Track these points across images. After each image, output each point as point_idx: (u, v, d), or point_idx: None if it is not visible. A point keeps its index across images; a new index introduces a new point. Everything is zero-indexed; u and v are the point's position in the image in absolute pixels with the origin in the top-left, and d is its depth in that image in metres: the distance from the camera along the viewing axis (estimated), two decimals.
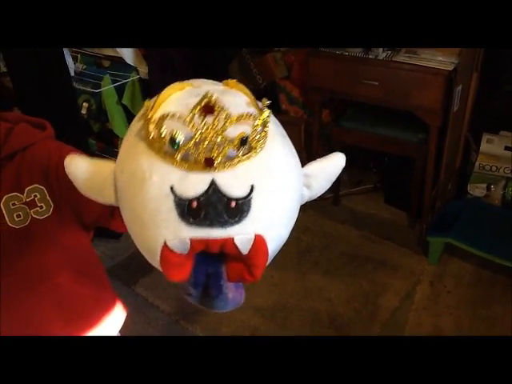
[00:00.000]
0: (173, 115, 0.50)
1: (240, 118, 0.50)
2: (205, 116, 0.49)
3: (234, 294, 0.58)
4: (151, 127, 0.50)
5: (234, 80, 0.56)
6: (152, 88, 2.40)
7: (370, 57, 2.17)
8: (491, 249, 2.09)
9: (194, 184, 0.48)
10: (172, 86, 0.54)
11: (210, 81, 0.59)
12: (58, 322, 0.88)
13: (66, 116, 2.22)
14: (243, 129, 0.50)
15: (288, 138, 0.57)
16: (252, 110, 0.52)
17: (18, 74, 2.10)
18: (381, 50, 2.17)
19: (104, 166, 0.57)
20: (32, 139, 0.84)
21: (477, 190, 2.43)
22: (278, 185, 0.52)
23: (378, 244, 2.45)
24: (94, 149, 2.81)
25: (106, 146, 2.81)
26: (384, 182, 2.81)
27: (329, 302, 2.13)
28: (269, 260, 0.54)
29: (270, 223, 0.52)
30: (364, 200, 2.79)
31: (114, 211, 0.79)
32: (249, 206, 0.49)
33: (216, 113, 0.49)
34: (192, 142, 0.48)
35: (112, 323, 0.99)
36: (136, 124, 0.55)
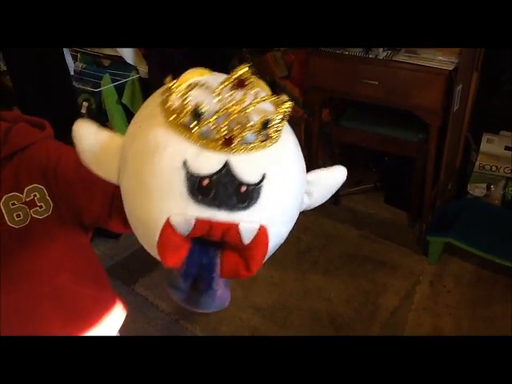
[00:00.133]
0: (202, 84, 0.48)
1: (268, 98, 0.49)
2: (235, 90, 0.48)
3: (222, 292, 0.56)
4: (173, 97, 0.49)
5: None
6: (152, 87, 2.40)
7: (370, 56, 2.17)
8: (491, 249, 2.09)
9: (209, 162, 0.47)
10: (191, 70, 0.53)
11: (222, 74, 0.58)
12: (58, 322, 0.88)
13: (66, 115, 2.21)
14: (264, 111, 0.49)
15: (297, 141, 0.57)
16: (269, 95, 0.52)
17: (18, 73, 2.10)
18: (381, 49, 2.16)
19: (113, 137, 0.56)
20: (31, 139, 0.83)
21: (477, 189, 2.43)
22: (287, 179, 0.52)
23: (377, 244, 2.45)
24: None
25: None
26: (384, 181, 2.81)
27: (328, 301, 2.13)
28: (266, 257, 0.54)
29: (275, 216, 0.52)
30: (364, 200, 2.79)
31: (112, 212, 0.79)
32: (258, 194, 0.49)
33: (247, 88, 0.48)
34: (215, 116, 0.47)
35: (112, 323, 0.98)
36: (154, 98, 0.53)
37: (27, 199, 0.80)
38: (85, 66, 2.72)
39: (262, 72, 2.75)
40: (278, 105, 0.51)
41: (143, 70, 2.50)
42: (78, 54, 2.76)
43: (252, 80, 0.48)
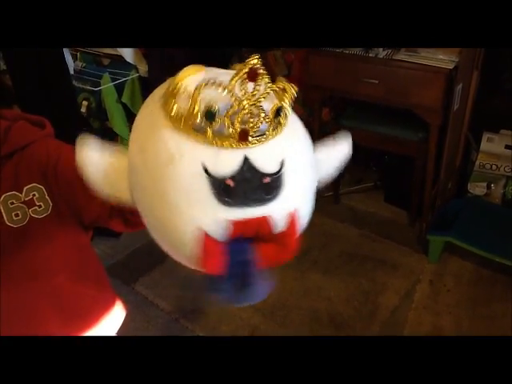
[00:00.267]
0: (213, 82, 0.46)
1: (275, 86, 0.49)
2: (247, 82, 0.47)
3: (263, 282, 0.55)
4: (180, 101, 0.47)
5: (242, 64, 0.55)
6: (152, 86, 2.40)
7: (370, 55, 2.17)
8: (491, 248, 2.09)
9: (228, 161, 0.46)
10: (188, 68, 0.51)
11: (217, 68, 0.56)
12: (57, 321, 0.88)
13: (66, 114, 2.22)
14: (274, 102, 0.49)
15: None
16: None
17: (18, 72, 2.10)
18: (381, 48, 2.16)
19: (120, 155, 0.54)
20: (31, 138, 0.83)
21: (477, 188, 2.43)
22: (302, 160, 0.52)
23: (377, 243, 2.46)
24: None
25: None
26: (384, 180, 2.81)
27: (328, 300, 2.14)
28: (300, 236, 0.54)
29: (300, 198, 0.52)
30: (364, 199, 2.79)
31: (112, 211, 0.79)
32: (282, 181, 0.49)
33: (259, 79, 0.47)
34: (229, 112, 0.46)
35: (111, 323, 0.98)
36: (155, 101, 0.52)
37: (26, 198, 0.80)
38: (84, 64, 2.72)
39: None
40: (282, 90, 0.50)
41: (143, 69, 2.50)
42: (78, 53, 2.76)
43: (263, 71, 0.47)
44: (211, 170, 0.46)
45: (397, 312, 2.06)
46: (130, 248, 2.38)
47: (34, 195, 0.80)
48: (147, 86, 2.50)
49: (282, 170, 0.49)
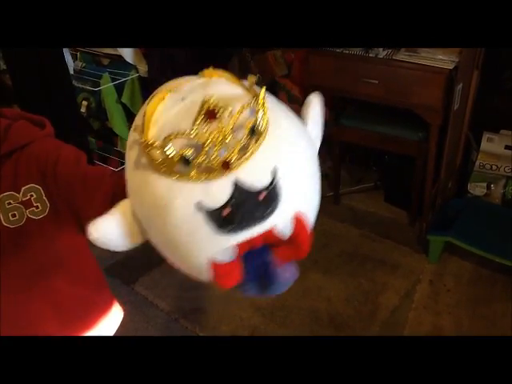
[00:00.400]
0: (176, 134, 0.47)
1: (242, 110, 0.48)
2: (208, 122, 0.47)
3: (288, 275, 0.57)
4: (155, 152, 0.48)
5: (210, 68, 0.54)
6: (151, 86, 2.40)
7: (370, 55, 2.17)
8: (491, 248, 2.09)
9: (219, 191, 0.47)
10: (151, 99, 0.51)
11: (186, 77, 0.56)
12: (55, 323, 0.88)
13: (66, 114, 2.22)
14: (245, 117, 0.48)
15: (282, 104, 0.56)
16: (240, 91, 0.51)
17: (18, 72, 2.10)
18: (381, 48, 2.16)
19: (122, 211, 0.55)
20: (31, 137, 0.83)
21: (477, 188, 2.43)
22: (297, 157, 0.51)
23: (377, 243, 2.45)
24: (94, 147, 2.81)
25: (105, 144, 2.81)
26: (384, 180, 2.81)
27: (328, 300, 2.13)
28: (311, 230, 0.54)
29: (302, 197, 0.52)
30: (364, 198, 2.79)
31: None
32: (279, 191, 0.48)
33: (219, 115, 0.47)
34: (203, 152, 0.46)
35: (109, 324, 0.98)
36: (132, 151, 0.52)
37: (24, 199, 0.79)
38: (84, 64, 2.72)
39: (262, 71, 2.75)
40: (253, 96, 0.49)
41: (143, 69, 2.50)
42: (78, 53, 2.76)
43: (221, 106, 0.47)
44: (205, 205, 0.47)
45: (397, 312, 2.06)
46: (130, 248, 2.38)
47: (31, 196, 0.79)
48: (147, 86, 2.50)
49: (276, 178, 0.48)
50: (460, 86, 2.07)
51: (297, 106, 2.71)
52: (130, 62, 2.50)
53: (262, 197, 0.47)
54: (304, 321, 2.04)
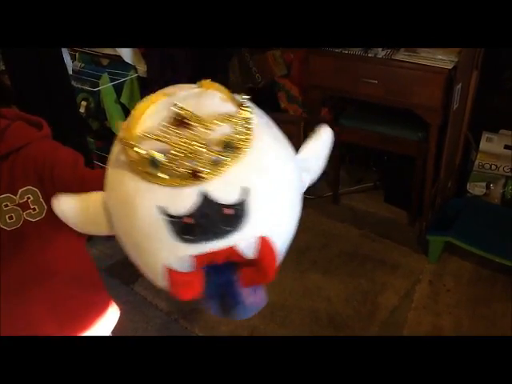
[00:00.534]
0: (148, 134, 0.47)
1: (219, 120, 0.47)
2: (181, 128, 0.47)
3: (252, 299, 0.57)
4: (131, 150, 0.48)
5: (208, 80, 0.54)
6: (151, 86, 2.40)
7: (370, 55, 2.17)
8: (491, 247, 2.09)
9: (184, 199, 0.46)
10: (144, 100, 0.52)
11: (186, 85, 0.56)
12: (52, 325, 0.88)
13: (65, 114, 2.22)
14: (225, 131, 0.47)
15: (276, 128, 0.55)
16: (230, 108, 0.50)
17: (17, 73, 2.10)
18: (380, 48, 2.16)
19: (92, 199, 0.56)
20: (27, 139, 0.82)
21: (476, 188, 2.43)
22: (273, 181, 0.50)
23: (377, 243, 2.45)
24: (93, 147, 2.81)
25: (104, 145, 2.81)
26: (384, 180, 2.81)
27: (328, 300, 2.13)
28: (280, 257, 0.53)
29: (272, 222, 0.51)
30: (364, 198, 2.79)
31: None
32: (246, 210, 0.48)
33: (191, 124, 0.47)
34: (170, 157, 0.46)
35: (105, 325, 0.98)
36: (115, 147, 0.53)
37: (20, 201, 0.79)
38: (83, 65, 2.72)
39: (261, 71, 2.75)
40: (236, 113, 0.49)
41: (142, 69, 2.50)
42: (77, 54, 2.75)
43: (193, 115, 0.47)
44: (168, 210, 0.47)
45: (396, 312, 2.06)
46: None
47: (28, 198, 0.79)
48: (146, 86, 2.49)
49: (246, 198, 0.47)
50: (459, 86, 2.07)
51: (296, 106, 2.71)
52: (129, 62, 2.50)
53: (227, 212, 0.47)
54: (304, 321, 2.04)
